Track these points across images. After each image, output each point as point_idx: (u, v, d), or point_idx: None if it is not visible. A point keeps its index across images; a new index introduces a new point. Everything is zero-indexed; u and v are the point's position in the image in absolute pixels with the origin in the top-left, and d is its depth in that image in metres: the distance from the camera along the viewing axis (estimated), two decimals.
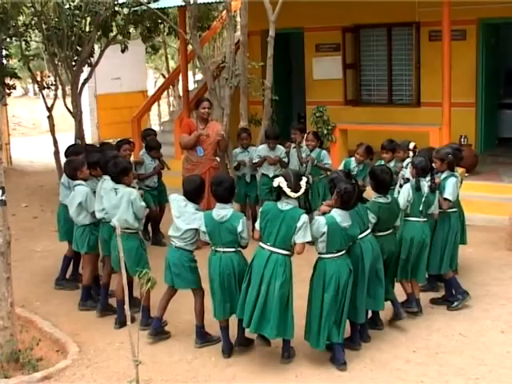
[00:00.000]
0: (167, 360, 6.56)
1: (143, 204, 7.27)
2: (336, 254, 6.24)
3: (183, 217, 6.74)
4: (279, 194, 6.20)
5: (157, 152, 10.38)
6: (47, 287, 8.63)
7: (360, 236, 6.51)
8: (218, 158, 10.36)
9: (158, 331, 6.95)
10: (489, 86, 13.43)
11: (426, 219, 7.28)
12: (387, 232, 6.96)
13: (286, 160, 10.24)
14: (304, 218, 6.14)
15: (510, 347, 6.57)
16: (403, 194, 7.17)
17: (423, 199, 7.17)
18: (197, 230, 6.69)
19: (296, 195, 6.16)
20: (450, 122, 11.24)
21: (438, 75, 11.47)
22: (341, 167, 9.35)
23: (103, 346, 6.91)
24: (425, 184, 7.20)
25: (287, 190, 6.12)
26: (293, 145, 10.33)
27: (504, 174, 11.55)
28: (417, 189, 7.14)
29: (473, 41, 13.06)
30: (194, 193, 6.84)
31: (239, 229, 6.39)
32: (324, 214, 6.35)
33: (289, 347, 6.40)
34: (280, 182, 6.18)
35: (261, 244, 6.29)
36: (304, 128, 10.72)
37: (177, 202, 6.83)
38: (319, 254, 6.33)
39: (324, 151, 10.21)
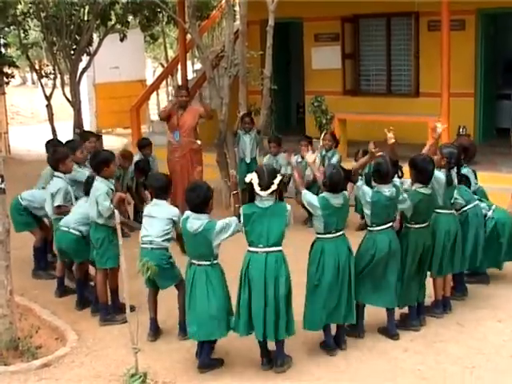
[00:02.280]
0: (166, 347, 6.58)
1: (106, 204, 6.88)
2: (334, 234, 6.21)
3: (155, 212, 6.68)
4: (251, 191, 5.94)
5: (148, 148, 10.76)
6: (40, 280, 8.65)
7: (378, 228, 6.45)
8: (199, 142, 10.53)
9: (156, 331, 6.84)
10: (487, 77, 13.43)
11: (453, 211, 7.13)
12: (424, 224, 6.74)
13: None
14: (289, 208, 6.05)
15: (507, 336, 6.61)
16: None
17: (455, 191, 7.06)
18: (172, 221, 6.62)
19: (265, 193, 5.84)
20: (449, 112, 11.23)
21: (437, 65, 11.46)
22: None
23: (102, 334, 6.93)
24: (455, 176, 7.05)
25: (257, 188, 5.84)
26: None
27: (502, 165, 11.55)
28: (449, 182, 6.95)
29: (471, 31, 13.06)
30: (161, 190, 6.81)
31: (214, 243, 5.99)
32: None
33: (283, 352, 6.14)
34: (252, 178, 5.91)
35: (251, 249, 5.95)
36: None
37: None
38: (317, 233, 6.28)
39: (338, 153, 10.32)
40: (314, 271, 6.24)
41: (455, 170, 7.09)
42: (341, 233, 6.28)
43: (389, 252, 6.43)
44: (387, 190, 6.42)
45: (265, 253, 5.90)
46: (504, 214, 7.87)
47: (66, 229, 7.45)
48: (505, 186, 10.23)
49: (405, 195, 6.58)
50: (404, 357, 6.28)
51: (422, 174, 6.64)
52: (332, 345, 6.37)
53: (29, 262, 8.85)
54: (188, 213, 6.12)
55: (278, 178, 5.94)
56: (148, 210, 6.82)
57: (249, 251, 5.98)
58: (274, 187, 5.85)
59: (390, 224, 6.55)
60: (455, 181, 7.07)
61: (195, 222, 6.02)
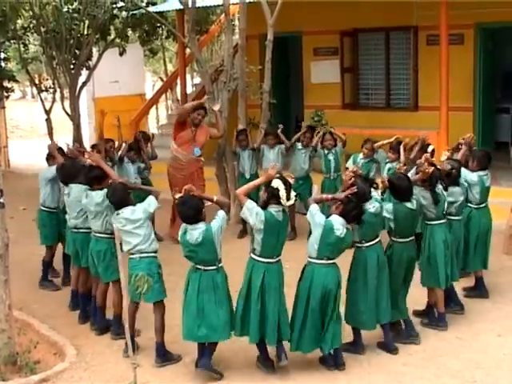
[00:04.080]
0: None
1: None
2: (326, 261, 6.20)
3: (133, 217, 6.62)
4: (271, 197, 6.04)
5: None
6: (45, 290, 8.65)
7: (367, 244, 6.49)
8: (202, 159, 10.36)
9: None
10: (486, 90, 13.45)
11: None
12: (409, 239, 6.80)
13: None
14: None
15: (507, 350, 6.60)
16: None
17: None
18: (146, 215, 6.63)
19: (288, 203, 6.05)
20: (448, 126, 11.25)
21: (436, 79, 11.49)
22: (350, 162, 9.75)
23: (101, 349, 6.91)
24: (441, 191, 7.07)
25: (284, 197, 5.99)
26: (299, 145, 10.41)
27: (501, 178, 11.55)
28: (435, 201, 7.00)
29: (470, 45, 13.08)
30: (121, 201, 6.72)
31: (217, 242, 6.12)
32: (317, 202, 6.33)
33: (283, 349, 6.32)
34: (279, 185, 6.03)
35: (258, 258, 6.14)
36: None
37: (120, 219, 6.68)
38: (309, 257, 6.28)
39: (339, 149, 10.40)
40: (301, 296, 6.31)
41: (439, 186, 7.07)
42: (333, 261, 6.26)
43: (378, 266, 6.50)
44: (371, 207, 6.47)
45: (268, 263, 6.11)
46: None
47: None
48: (505, 199, 10.25)
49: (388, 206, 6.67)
50: (403, 371, 6.26)
51: (401, 191, 6.70)
52: (331, 361, 6.36)
53: (28, 275, 8.85)
54: (184, 226, 6.19)
55: (293, 193, 6.13)
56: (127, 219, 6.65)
57: (255, 259, 6.13)
58: (293, 199, 6.06)
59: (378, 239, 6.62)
60: (442, 196, 7.07)
61: (193, 232, 6.10)
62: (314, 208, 6.23)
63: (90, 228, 7.33)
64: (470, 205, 7.98)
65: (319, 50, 14.88)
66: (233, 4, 12.16)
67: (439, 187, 7.03)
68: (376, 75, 14.48)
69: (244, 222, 9.96)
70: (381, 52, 14.32)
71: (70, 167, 7.88)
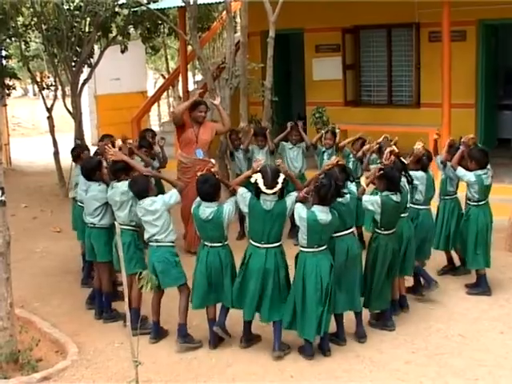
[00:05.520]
0: (167, 360, 6.56)
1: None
2: (316, 249, 6.31)
3: (151, 208, 6.80)
4: (257, 191, 6.34)
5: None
6: (47, 288, 8.64)
7: (342, 233, 6.58)
8: (213, 160, 10.10)
9: (159, 333, 6.98)
10: (488, 87, 13.43)
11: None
12: (392, 230, 6.92)
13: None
14: (291, 197, 6.42)
15: (510, 348, 6.58)
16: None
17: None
18: (165, 207, 6.81)
19: (271, 191, 6.26)
20: (450, 123, 11.24)
21: (438, 76, 11.47)
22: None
23: (103, 347, 6.90)
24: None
25: (263, 188, 6.24)
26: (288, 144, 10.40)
27: (504, 175, 11.53)
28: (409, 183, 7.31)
29: (472, 42, 13.06)
30: (142, 192, 6.89)
31: (225, 223, 6.55)
32: (301, 201, 6.42)
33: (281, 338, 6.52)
34: (257, 178, 6.30)
35: (254, 243, 6.47)
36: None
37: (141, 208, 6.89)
38: (300, 246, 6.43)
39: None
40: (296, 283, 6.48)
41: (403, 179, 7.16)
42: (323, 247, 6.37)
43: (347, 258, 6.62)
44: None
45: (265, 248, 6.39)
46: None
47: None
48: (507, 196, 10.24)
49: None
50: (406, 369, 6.24)
51: (392, 182, 6.80)
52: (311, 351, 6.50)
53: (29, 273, 8.84)
54: (198, 200, 6.67)
55: (282, 176, 6.33)
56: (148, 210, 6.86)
57: (252, 244, 6.49)
58: (278, 186, 6.27)
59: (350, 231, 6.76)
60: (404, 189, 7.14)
61: (206, 209, 6.56)
62: (296, 205, 6.41)
63: (105, 225, 7.54)
64: (469, 202, 8.05)
65: (321, 46, 14.88)
66: (234, 1, 12.15)
67: (402, 180, 7.11)
68: (378, 72, 14.47)
69: (241, 223, 10.16)
70: (383, 49, 14.32)
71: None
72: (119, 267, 6.76)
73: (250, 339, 6.76)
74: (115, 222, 6.79)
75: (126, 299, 5.76)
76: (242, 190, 6.53)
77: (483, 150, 8.09)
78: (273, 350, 6.49)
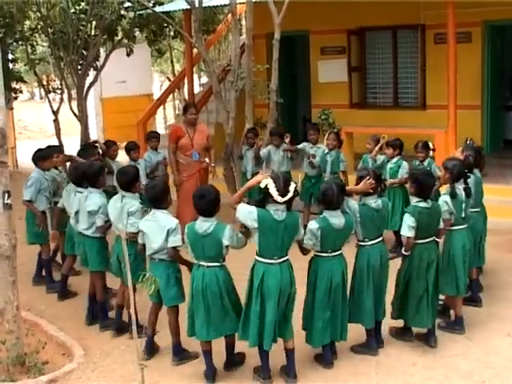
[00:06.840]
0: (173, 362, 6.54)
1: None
2: (330, 254, 6.20)
3: (157, 225, 6.49)
4: (265, 196, 5.87)
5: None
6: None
7: (370, 242, 6.47)
8: (207, 160, 10.43)
9: (152, 349, 6.75)
10: (494, 88, 13.40)
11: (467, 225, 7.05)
12: (428, 240, 6.59)
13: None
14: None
15: None
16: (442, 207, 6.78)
17: (463, 205, 6.91)
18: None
19: (282, 200, 5.81)
20: (456, 125, 11.21)
21: (444, 78, 11.45)
22: (360, 164, 9.69)
23: (109, 350, 6.91)
24: (460, 189, 6.90)
25: (275, 194, 5.79)
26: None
27: (510, 177, 11.50)
28: (452, 195, 6.82)
29: (478, 43, 13.04)
30: (158, 198, 6.58)
31: (225, 242, 6.01)
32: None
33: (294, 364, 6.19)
34: (268, 183, 5.84)
35: (265, 260, 5.93)
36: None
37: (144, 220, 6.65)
38: (315, 251, 6.27)
39: (342, 153, 10.33)
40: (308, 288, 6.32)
41: (461, 182, 6.94)
42: (337, 252, 6.26)
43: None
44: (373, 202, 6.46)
45: (278, 264, 5.91)
46: None
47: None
48: None
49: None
50: (412, 371, 6.22)
51: (423, 188, 6.53)
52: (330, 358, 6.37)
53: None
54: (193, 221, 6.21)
55: (293, 185, 5.94)
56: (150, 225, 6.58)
57: (261, 261, 5.94)
58: (290, 194, 5.85)
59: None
60: (461, 193, 6.89)
61: (204, 224, 6.05)
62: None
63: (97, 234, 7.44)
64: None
65: (326, 49, 14.88)
66: (239, 3, 12.14)
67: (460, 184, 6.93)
68: (384, 74, 14.46)
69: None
70: (388, 51, 14.31)
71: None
72: (121, 276, 6.89)
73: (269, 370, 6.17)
74: (116, 232, 6.79)
75: (132, 309, 5.70)
76: (241, 206, 5.96)
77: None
78: (288, 377, 6.09)
